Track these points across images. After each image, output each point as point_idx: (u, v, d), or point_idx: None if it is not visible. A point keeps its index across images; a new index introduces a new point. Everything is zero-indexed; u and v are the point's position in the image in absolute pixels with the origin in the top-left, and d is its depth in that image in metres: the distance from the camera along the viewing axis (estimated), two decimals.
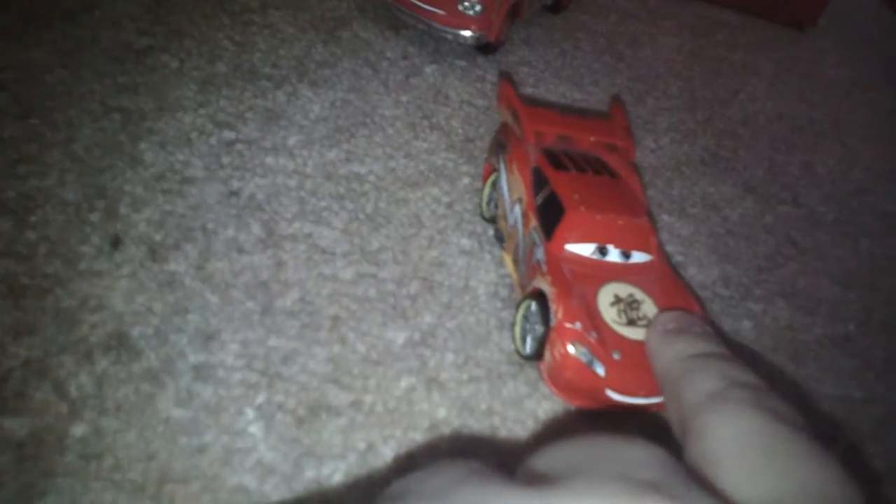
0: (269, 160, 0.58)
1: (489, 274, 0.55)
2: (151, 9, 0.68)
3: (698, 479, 0.29)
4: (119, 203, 0.51)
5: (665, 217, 0.66)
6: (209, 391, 0.42)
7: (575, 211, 0.50)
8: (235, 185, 0.55)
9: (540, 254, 0.50)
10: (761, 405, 0.32)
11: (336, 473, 0.41)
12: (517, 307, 0.50)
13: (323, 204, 0.56)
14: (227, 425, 0.41)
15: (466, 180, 0.62)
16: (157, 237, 0.49)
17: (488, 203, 0.59)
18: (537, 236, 0.51)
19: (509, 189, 0.56)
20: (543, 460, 0.30)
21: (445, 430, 0.45)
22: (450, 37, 0.75)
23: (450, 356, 0.49)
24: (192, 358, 0.44)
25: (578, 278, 0.48)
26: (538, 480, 0.28)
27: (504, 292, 0.54)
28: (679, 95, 0.85)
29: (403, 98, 0.69)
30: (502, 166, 0.57)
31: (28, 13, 0.62)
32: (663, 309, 0.47)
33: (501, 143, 0.58)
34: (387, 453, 0.43)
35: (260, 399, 0.43)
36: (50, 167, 0.51)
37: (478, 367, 0.49)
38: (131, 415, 0.40)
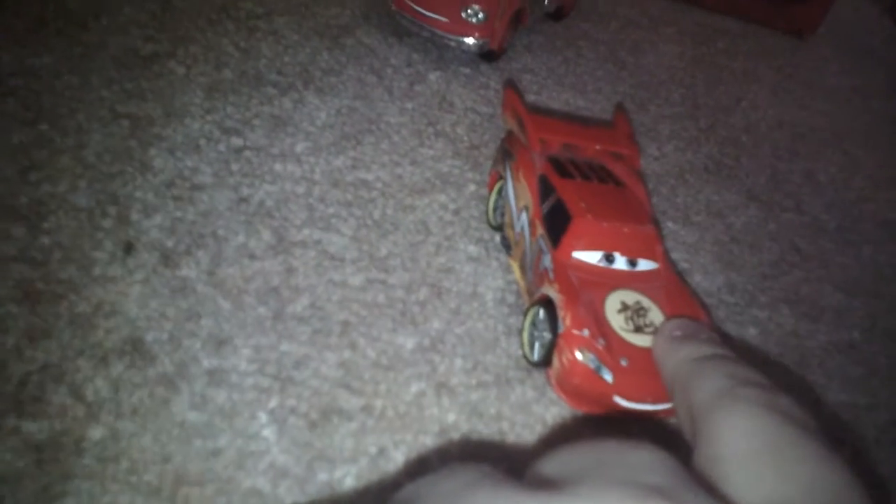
0: (278, 167, 0.58)
1: (496, 280, 0.55)
2: (157, 15, 0.69)
3: (703, 483, 0.29)
4: (131, 209, 0.51)
5: (670, 224, 0.66)
6: (223, 395, 0.43)
7: (581, 219, 0.50)
8: (245, 191, 0.55)
9: (547, 261, 0.50)
10: (770, 405, 0.33)
11: (348, 477, 0.41)
12: (525, 314, 0.51)
13: (331, 210, 0.56)
14: (241, 429, 0.42)
15: (472, 187, 0.63)
16: (169, 243, 0.50)
17: (495, 211, 0.59)
18: (544, 244, 0.51)
19: (516, 197, 0.56)
20: (551, 465, 0.31)
21: (455, 435, 0.45)
22: (453, 44, 0.75)
23: (459, 361, 0.49)
24: (206, 363, 0.44)
25: (586, 286, 0.48)
26: (547, 485, 0.29)
27: (511, 298, 0.54)
28: (681, 103, 0.85)
29: (408, 105, 0.69)
30: (508, 174, 0.57)
31: (37, 20, 0.63)
32: (670, 316, 0.47)
33: (507, 151, 0.59)
34: (398, 457, 0.43)
35: (273, 403, 0.43)
36: (61, 173, 0.52)
37: (486, 372, 0.49)
38: (147, 418, 0.41)
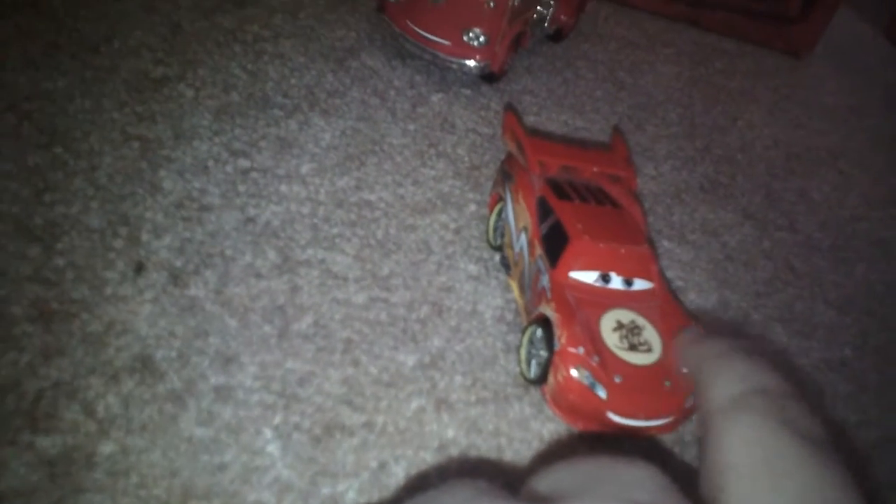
0: (283, 188, 0.59)
1: (496, 299, 0.57)
2: (167, 39, 0.70)
3: (692, 500, 0.30)
4: (141, 230, 0.52)
5: (665, 243, 0.68)
6: (229, 412, 0.44)
7: (579, 240, 0.52)
8: (251, 212, 0.56)
9: (545, 281, 0.52)
10: (778, 416, 0.33)
11: (350, 491, 0.42)
12: (523, 332, 0.52)
13: (335, 231, 0.57)
14: (247, 444, 0.43)
15: (473, 207, 0.64)
16: (178, 263, 0.51)
17: (494, 231, 0.61)
18: (542, 264, 0.53)
19: (515, 218, 0.57)
20: (546, 481, 0.32)
21: (454, 450, 0.46)
22: (455, 66, 0.77)
23: (458, 378, 0.50)
24: (213, 380, 0.45)
25: (582, 305, 0.50)
26: (541, 501, 0.30)
27: (510, 316, 0.56)
28: (678, 122, 0.87)
29: (411, 126, 0.71)
30: (508, 196, 0.59)
31: (51, 44, 0.64)
32: (666, 335, 0.49)
33: (507, 174, 0.60)
34: (398, 472, 0.44)
35: (277, 419, 0.45)
36: (74, 195, 0.53)
37: (485, 389, 0.50)
38: (156, 434, 0.42)
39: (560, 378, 0.47)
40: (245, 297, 0.51)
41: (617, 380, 0.46)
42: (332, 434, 0.45)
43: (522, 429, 0.49)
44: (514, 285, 0.57)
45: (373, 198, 0.61)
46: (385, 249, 0.57)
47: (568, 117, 0.80)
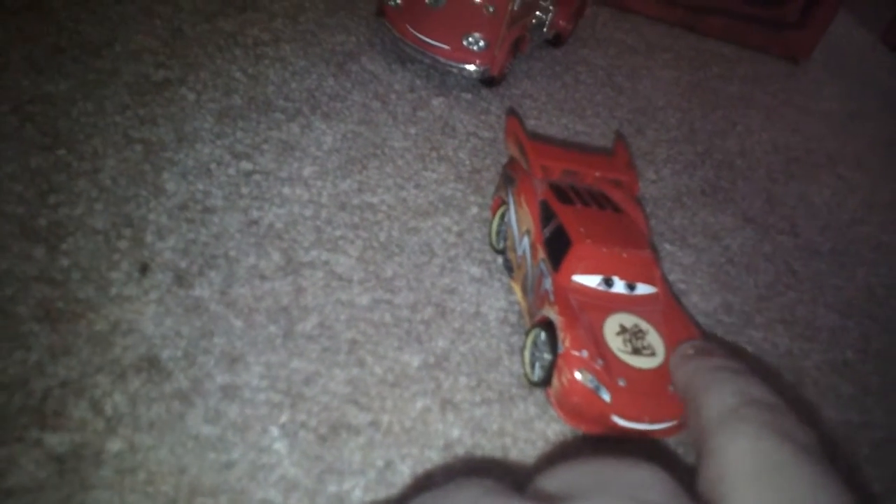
0: (286, 190, 0.59)
1: (499, 300, 0.57)
2: (168, 42, 0.70)
3: (698, 502, 0.31)
4: (145, 231, 0.52)
5: (667, 246, 0.68)
6: (236, 410, 0.44)
7: (581, 244, 0.52)
8: (255, 214, 0.57)
9: (548, 284, 0.52)
10: (775, 427, 0.34)
11: (356, 489, 0.42)
12: (526, 335, 0.52)
13: (338, 233, 0.57)
14: (254, 442, 0.43)
15: (475, 210, 0.64)
16: (183, 264, 0.51)
17: (497, 235, 0.61)
18: (545, 267, 0.53)
19: (518, 221, 0.57)
20: (553, 481, 0.32)
21: (459, 450, 0.46)
22: (455, 71, 0.77)
23: (463, 379, 0.50)
24: (219, 379, 0.45)
25: (585, 308, 0.50)
26: (548, 500, 0.30)
27: (513, 318, 0.56)
28: (678, 127, 0.87)
29: (412, 130, 0.71)
30: (511, 199, 0.59)
31: (54, 47, 0.64)
32: (669, 339, 0.49)
33: (510, 177, 0.60)
34: (404, 470, 0.44)
35: (284, 418, 0.45)
36: (78, 196, 0.53)
37: (489, 389, 0.50)
38: (163, 432, 0.42)
39: (564, 381, 0.47)
40: (250, 298, 0.51)
41: (621, 383, 0.46)
42: (338, 433, 0.45)
43: (527, 429, 0.49)
44: (517, 288, 0.57)
45: (375, 200, 0.62)
46: (388, 251, 0.58)
47: (568, 121, 0.81)
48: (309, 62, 0.75)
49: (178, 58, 0.69)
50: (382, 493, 0.43)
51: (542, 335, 0.50)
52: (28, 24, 0.66)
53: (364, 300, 0.53)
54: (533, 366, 0.51)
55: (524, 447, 0.48)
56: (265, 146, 0.63)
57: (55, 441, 0.40)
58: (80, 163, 0.56)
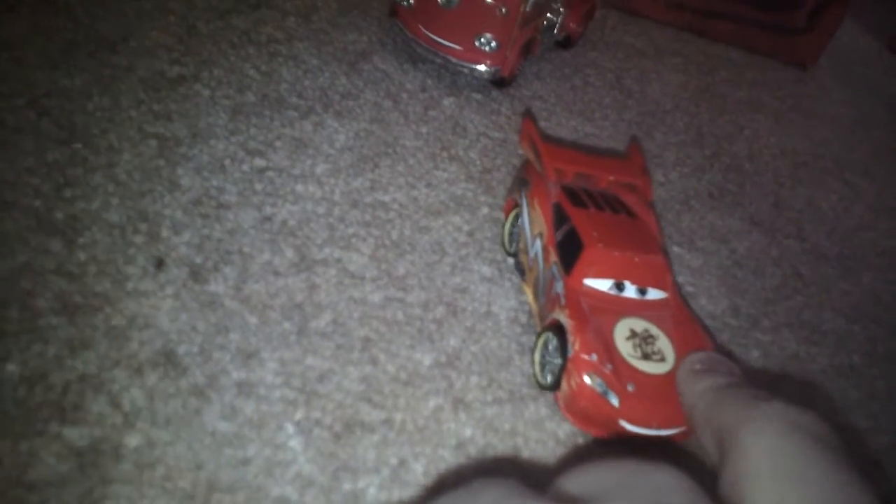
0: (299, 187, 0.60)
1: (509, 300, 0.57)
2: (183, 39, 0.70)
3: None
4: (161, 226, 0.53)
5: (675, 249, 0.68)
6: (251, 407, 0.44)
7: (593, 248, 0.52)
8: (268, 210, 0.57)
9: (559, 287, 0.52)
10: (796, 422, 0.34)
11: (371, 487, 0.43)
12: (537, 338, 0.52)
13: (351, 231, 0.58)
14: (269, 439, 0.43)
15: (485, 210, 0.64)
16: (198, 259, 0.51)
17: (509, 237, 0.61)
18: (557, 271, 0.53)
19: (531, 224, 0.58)
20: (575, 483, 0.32)
21: (472, 449, 0.47)
22: (466, 71, 0.77)
23: (474, 378, 0.51)
24: (235, 375, 0.46)
25: (596, 312, 0.50)
26: (572, 503, 0.30)
27: (524, 318, 0.56)
28: (686, 131, 0.87)
29: (423, 129, 0.71)
30: (524, 202, 0.59)
31: (69, 42, 0.64)
32: (679, 345, 0.49)
33: (524, 180, 0.61)
34: (417, 469, 0.45)
35: (299, 415, 0.45)
36: (94, 191, 0.53)
37: (500, 389, 0.51)
38: (180, 427, 0.42)
39: (573, 385, 0.47)
40: (264, 295, 0.51)
41: (630, 388, 0.47)
42: (353, 430, 0.45)
43: (538, 429, 0.49)
44: (528, 290, 0.57)
45: (387, 199, 0.62)
46: (400, 250, 0.58)
47: (577, 123, 0.81)
48: (322, 61, 0.75)
49: (192, 54, 0.69)
50: (397, 492, 0.43)
51: (554, 340, 0.50)
52: (43, 19, 0.66)
53: (376, 298, 0.54)
54: (543, 368, 0.51)
55: (535, 447, 0.48)
56: (278, 143, 0.63)
57: (75, 435, 0.40)
58: (96, 157, 0.56)
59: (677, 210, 0.74)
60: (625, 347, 0.48)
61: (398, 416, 0.47)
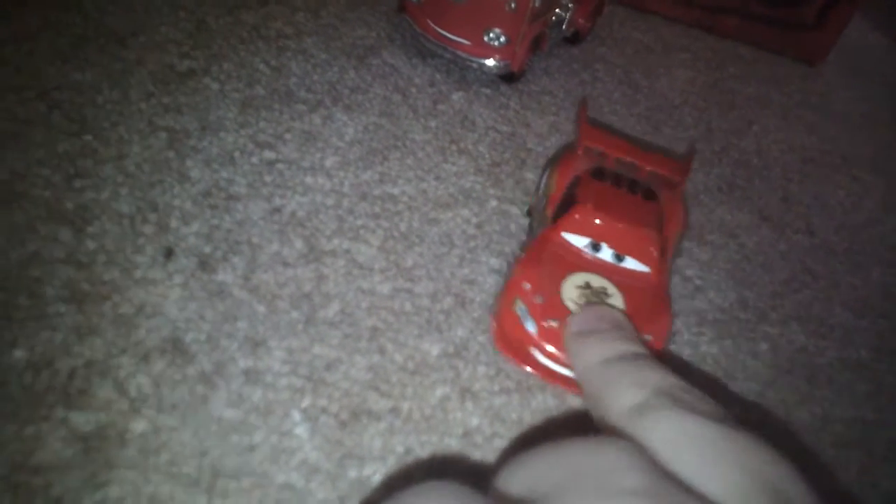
0: (309, 179, 0.60)
1: None
2: (192, 34, 0.71)
3: (673, 478, 0.29)
4: (170, 216, 0.53)
5: (685, 243, 0.68)
6: (258, 394, 0.45)
7: (582, 206, 0.53)
8: (278, 202, 0.57)
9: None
10: (687, 407, 0.33)
11: (377, 475, 0.43)
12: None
13: (360, 222, 0.58)
14: (276, 426, 0.43)
15: (494, 203, 0.64)
16: (207, 249, 0.52)
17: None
18: (545, 223, 0.55)
19: (546, 186, 0.60)
20: (515, 480, 0.31)
21: (478, 438, 0.47)
22: (475, 66, 0.77)
23: (482, 368, 0.51)
24: (242, 363, 0.46)
25: (557, 259, 0.52)
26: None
27: None
28: (695, 126, 0.87)
29: (432, 123, 0.71)
30: (556, 167, 0.61)
31: (79, 36, 0.65)
32: (631, 312, 0.49)
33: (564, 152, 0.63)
34: (423, 457, 0.45)
35: (305, 403, 0.45)
36: (104, 181, 0.54)
37: (508, 379, 0.51)
38: (186, 414, 0.42)
39: (500, 306, 0.50)
40: (272, 284, 0.51)
41: (552, 323, 0.47)
42: (359, 418, 0.45)
43: (545, 419, 0.49)
44: None
45: (396, 191, 0.62)
46: (408, 242, 0.58)
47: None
48: (330, 55, 0.75)
49: (201, 48, 0.69)
50: (402, 480, 0.43)
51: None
52: (54, 13, 0.66)
53: (385, 289, 0.54)
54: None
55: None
56: (288, 136, 0.63)
57: (81, 420, 0.40)
58: (106, 149, 0.56)
59: (687, 204, 0.74)
60: (569, 292, 0.49)
61: (405, 405, 0.47)
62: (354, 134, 0.66)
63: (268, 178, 0.59)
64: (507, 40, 0.76)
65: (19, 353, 0.42)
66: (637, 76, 0.93)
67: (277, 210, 0.56)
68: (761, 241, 0.72)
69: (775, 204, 0.78)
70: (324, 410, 0.45)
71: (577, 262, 0.52)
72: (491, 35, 0.75)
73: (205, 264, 0.51)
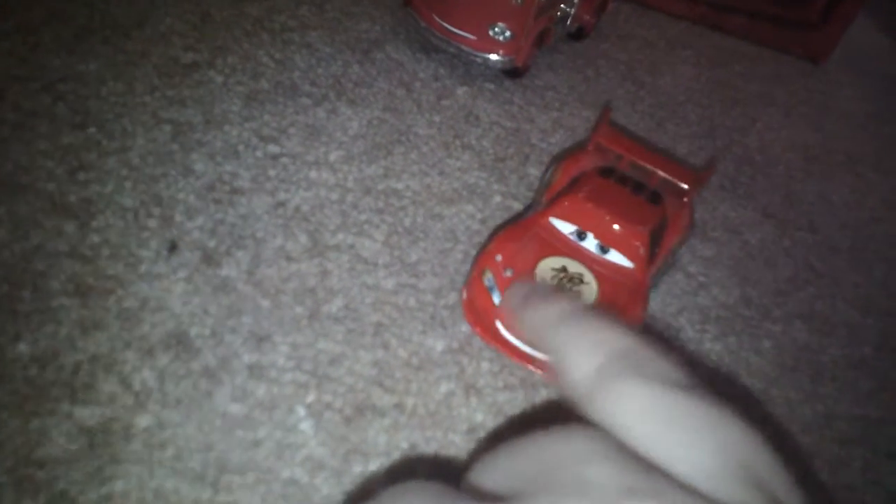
0: (313, 174, 0.60)
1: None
2: (197, 26, 0.71)
3: (642, 461, 0.29)
4: (174, 210, 0.53)
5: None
6: (263, 389, 0.45)
7: (573, 195, 0.54)
8: (282, 196, 0.57)
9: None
10: (649, 374, 0.32)
11: (381, 470, 0.43)
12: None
13: (364, 217, 0.58)
14: (280, 421, 0.43)
15: (498, 198, 0.64)
16: (211, 244, 0.52)
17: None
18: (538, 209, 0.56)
19: (552, 176, 0.60)
20: (488, 476, 0.30)
21: (482, 434, 0.47)
22: (479, 61, 0.77)
23: (486, 364, 0.51)
24: (247, 357, 0.46)
25: (538, 240, 0.53)
26: (495, 502, 0.29)
27: None
28: (698, 123, 0.87)
29: (436, 118, 0.71)
30: (560, 163, 0.61)
31: (84, 28, 0.65)
32: (602, 301, 0.50)
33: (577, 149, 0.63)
34: (428, 452, 0.45)
35: (310, 398, 0.45)
36: (108, 174, 0.54)
37: (512, 375, 0.51)
38: (191, 408, 0.42)
39: (470, 276, 0.51)
40: (276, 279, 0.51)
41: None
42: (364, 414, 0.45)
43: (549, 415, 0.49)
44: None
45: (400, 186, 0.62)
46: (413, 237, 0.58)
47: (590, 114, 0.81)
48: (335, 49, 0.75)
49: (206, 41, 0.69)
50: (406, 476, 0.43)
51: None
52: (59, 4, 0.66)
53: (389, 284, 0.54)
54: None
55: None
56: (292, 130, 0.63)
57: (86, 414, 0.40)
58: (110, 141, 0.56)
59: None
60: (543, 272, 0.50)
61: (409, 401, 0.47)
62: (358, 128, 0.66)
63: (272, 173, 0.59)
64: (513, 35, 0.75)
65: (23, 347, 0.42)
66: (641, 73, 0.93)
67: (281, 204, 0.56)
68: (765, 238, 0.72)
69: (779, 201, 0.78)
70: (328, 406, 0.45)
71: (560, 246, 0.53)
72: (496, 30, 0.75)
73: (209, 258, 0.51)
